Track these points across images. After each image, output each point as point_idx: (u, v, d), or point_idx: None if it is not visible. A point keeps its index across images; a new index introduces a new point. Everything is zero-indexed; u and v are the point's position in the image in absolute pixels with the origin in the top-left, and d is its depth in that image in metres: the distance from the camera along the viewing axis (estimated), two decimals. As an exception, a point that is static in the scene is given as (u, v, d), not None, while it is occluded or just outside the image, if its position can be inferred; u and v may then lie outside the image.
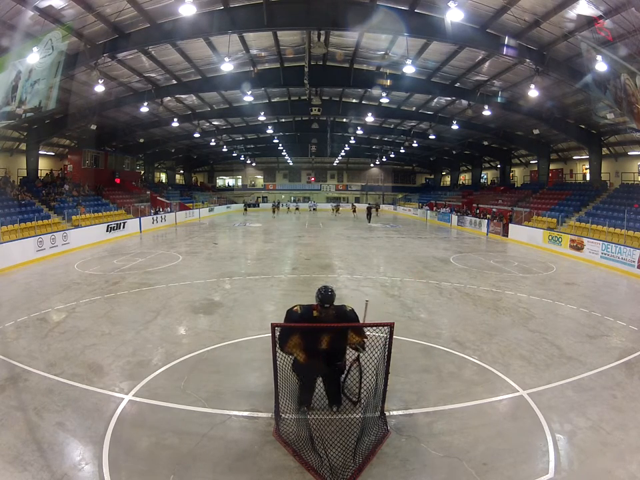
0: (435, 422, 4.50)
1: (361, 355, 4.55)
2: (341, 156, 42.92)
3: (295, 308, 4.49)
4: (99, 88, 14.49)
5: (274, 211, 37.38)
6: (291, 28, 14.03)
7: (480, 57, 15.38)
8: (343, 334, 4.36)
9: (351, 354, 4.67)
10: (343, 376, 4.75)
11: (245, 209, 41.01)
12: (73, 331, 7.12)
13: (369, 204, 35.23)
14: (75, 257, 14.95)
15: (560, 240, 16.74)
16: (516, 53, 13.41)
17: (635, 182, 20.13)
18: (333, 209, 39.30)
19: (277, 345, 4.12)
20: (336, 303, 4.49)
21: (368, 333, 4.53)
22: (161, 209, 28.38)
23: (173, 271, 12.41)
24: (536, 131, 22.22)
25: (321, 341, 4.28)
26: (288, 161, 47.27)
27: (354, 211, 36.63)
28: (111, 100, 19.21)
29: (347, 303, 4.98)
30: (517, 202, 25.17)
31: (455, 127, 24.09)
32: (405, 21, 12.23)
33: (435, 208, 33.40)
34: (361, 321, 4.65)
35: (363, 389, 4.60)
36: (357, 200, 47.11)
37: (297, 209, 44.51)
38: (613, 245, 13.86)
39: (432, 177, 48.56)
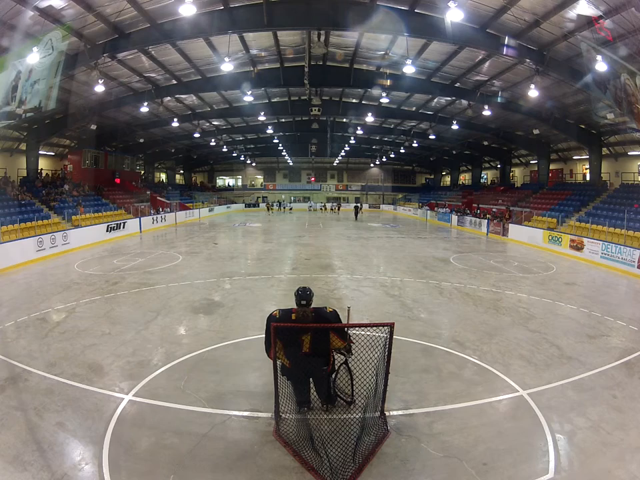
0: (435, 422, 4.50)
1: (349, 358, 4.55)
2: (341, 156, 42.93)
3: (274, 312, 4.47)
4: (99, 88, 14.49)
5: (268, 209, 43.18)
6: (291, 28, 14.02)
7: (480, 57, 15.38)
8: (324, 336, 4.31)
9: (339, 357, 4.69)
10: (333, 376, 4.75)
11: (269, 209, 43.72)
12: (72, 331, 7.12)
13: (356, 204, 39.08)
14: (75, 256, 14.95)
15: (560, 240, 16.74)
16: (516, 53, 13.41)
17: (635, 182, 20.13)
18: (321, 209, 45.22)
19: (265, 351, 4.17)
20: (335, 303, 4.48)
21: (367, 333, 4.52)
22: (161, 209, 28.38)
23: (173, 270, 12.41)
24: (536, 131, 22.21)
25: (301, 344, 4.26)
26: (288, 161, 47.25)
27: (338, 209, 42.98)
28: (111, 100, 19.21)
29: (329, 305, 5.00)
30: (517, 202, 25.18)
31: (455, 127, 24.09)
32: (405, 21, 12.23)
33: (435, 208, 33.42)
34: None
35: (360, 389, 4.59)
36: (357, 200, 47.42)
37: (290, 209, 44.65)
38: (613, 245, 13.86)
39: (432, 177, 48.56)
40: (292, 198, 49.72)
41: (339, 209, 42.45)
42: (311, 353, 4.28)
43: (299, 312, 4.33)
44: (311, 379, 4.61)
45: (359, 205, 38.97)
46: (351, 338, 4.51)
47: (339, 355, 4.62)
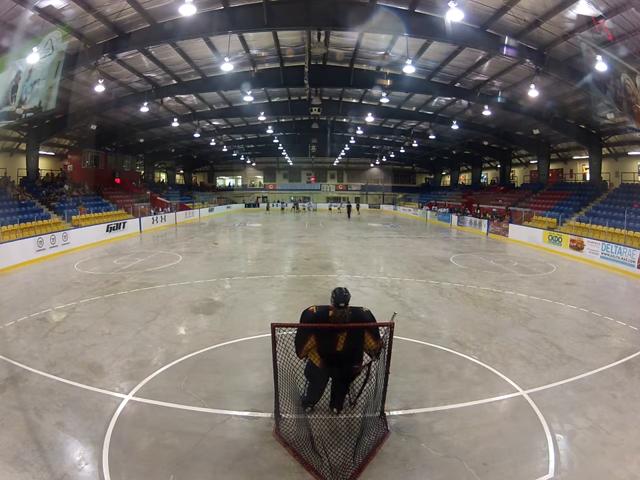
0: (435, 422, 4.50)
1: (375, 362, 4.45)
2: (341, 156, 42.93)
3: (311, 308, 4.43)
4: (99, 88, 14.50)
5: (267, 208, 43.53)
6: (291, 28, 14.02)
7: (480, 57, 15.38)
8: (359, 335, 4.28)
9: (365, 357, 4.63)
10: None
11: (268, 208, 43.53)
12: (73, 331, 7.12)
13: (349, 204, 39.56)
14: (74, 257, 14.95)
15: (560, 240, 16.74)
16: (516, 53, 13.41)
17: (635, 182, 20.13)
18: (295, 209, 44.82)
19: (295, 351, 4.12)
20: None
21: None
22: (160, 209, 28.38)
23: (173, 270, 12.41)
24: (536, 131, 22.22)
25: (337, 342, 4.22)
26: (288, 161, 47.26)
27: (339, 210, 42.44)
28: (110, 100, 19.20)
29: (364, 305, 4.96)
30: (517, 202, 25.18)
31: (455, 127, 24.08)
32: (405, 21, 12.23)
33: (433, 207, 33.46)
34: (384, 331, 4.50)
35: (363, 391, 4.58)
36: (357, 200, 47.57)
37: (282, 209, 44.32)
38: (613, 244, 13.85)
39: (432, 176, 48.56)
40: (292, 198, 49.72)
41: (340, 210, 42.36)
42: (344, 352, 4.25)
43: (337, 312, 4.25)
44: (329, 381, 4.56)
45: (351, 204, 39.54)
46: (382, 341, 4.38)
47: (366, 355, 4.52)
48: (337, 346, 4.22)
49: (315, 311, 4.34)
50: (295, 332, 4.34)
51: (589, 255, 14.77)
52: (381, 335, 4.39)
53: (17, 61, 10.90)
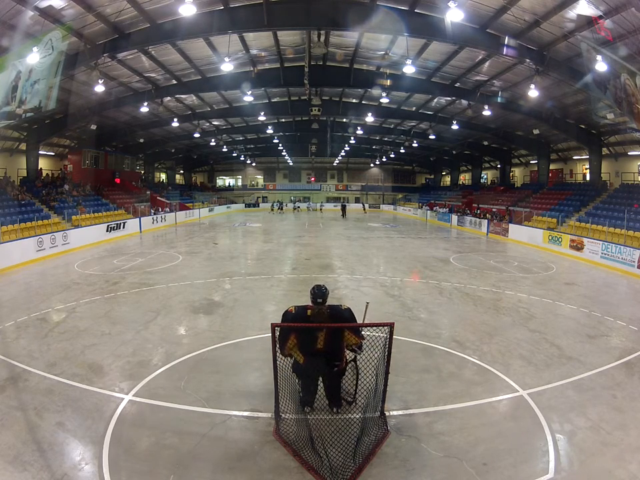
0: (435, 422, 4.50)
1: (358, 356, 4.53)
2: (341, 156, 42.90)
3: (290, 308, 4.53)
4: (99, 88, 14.48)
5: (272, 210, 42.76)
6: (291, 28, 14.02)
7: (480, 57, 15.37)
8: (338, 333, 4.35)
9: (348, 354, 4.67)
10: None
11: (280, 209, 42.30)
12: (72, 331, 7.12)
13: (343, 203, 39.76)
14: (74, 257, 14.95)
15: (560, 240, 16.74)
16: (516, 53, 13.41)
17: (635, 182, 20.12)
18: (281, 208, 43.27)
19: (277, 348, 4.16)
20: (335, 303, 4.48)
21: (367, 333, 4.53)
22: (160, 209, 28.38)
23: (173, 270, 12.41)
24: (536, 131, 22.21)
25: (316, 340, 4.28)
26: (288, 161, 47.23)
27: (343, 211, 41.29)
28: (110, 100, 19.19)
29: (344, 303, 4.98)
30: (517, 202, 25.18)
31: (454, 127, 24.06)
32: (405, 21, 12.22)
33: (434, 207, 33.47)
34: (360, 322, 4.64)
35: (361, 389, 4.59)
36: (357, 200, 47.71)
37: (280, 209, 43.03)
38: (613, 245, 13.85)
39: (432, 176, 48.52)
40: (292, 198, 49.64)
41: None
42: (325, 350, 4.30)
43: (314, 309, 4.36)
44: (320, 380, 4.60)
45: (346, 204, 39.67)
46: (363, 335, 4.51)
47: (349, 352, 4.60)
48: (317, 344, 4.28)
49: (293, 312, 4.45)
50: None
51: (589, 255, 14.76)
52: (363, 332, 4.47)
53: (17, 61, 10.89)
